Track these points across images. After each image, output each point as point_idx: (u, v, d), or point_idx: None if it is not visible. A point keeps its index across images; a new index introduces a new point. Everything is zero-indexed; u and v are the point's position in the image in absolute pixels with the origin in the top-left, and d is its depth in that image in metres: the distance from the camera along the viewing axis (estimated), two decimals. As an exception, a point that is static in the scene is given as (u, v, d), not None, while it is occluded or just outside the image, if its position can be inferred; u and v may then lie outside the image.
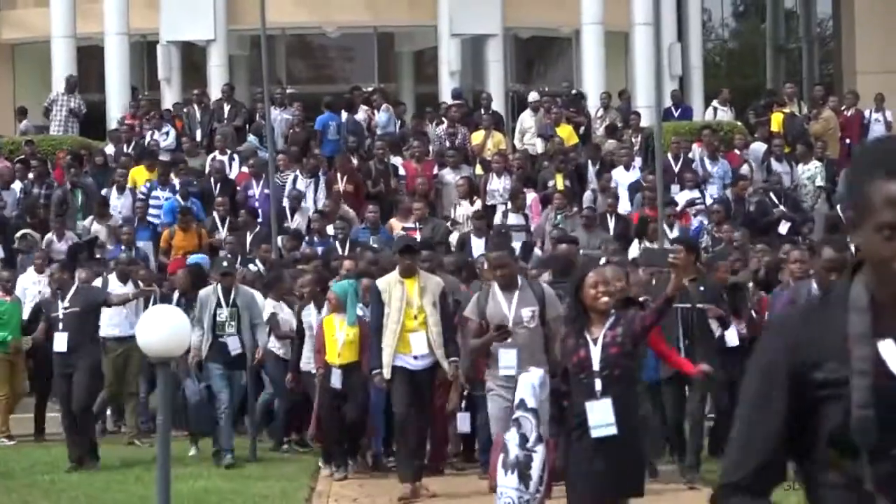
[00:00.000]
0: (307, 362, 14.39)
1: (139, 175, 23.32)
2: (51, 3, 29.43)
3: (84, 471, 14.08)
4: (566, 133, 25.29)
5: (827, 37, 38.02)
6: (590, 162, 23.80)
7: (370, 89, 27.78)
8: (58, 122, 26.56)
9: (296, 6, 30.29)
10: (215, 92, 27.94)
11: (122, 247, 20.03)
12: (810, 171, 23.67)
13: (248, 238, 20.80)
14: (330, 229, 20.60)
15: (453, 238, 21.05)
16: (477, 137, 24.99)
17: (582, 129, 26.15)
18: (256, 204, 22.08)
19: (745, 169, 23.41)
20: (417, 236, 20.04)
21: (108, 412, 17.75)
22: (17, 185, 23.14)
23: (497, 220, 21.38)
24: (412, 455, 12.29)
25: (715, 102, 27.89)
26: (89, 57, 30.03)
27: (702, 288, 12.74)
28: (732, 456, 3.18)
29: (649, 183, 21.40)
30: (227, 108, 26.49)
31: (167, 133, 25.58)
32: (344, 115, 25.42)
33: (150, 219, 22.10)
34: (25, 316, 17.20)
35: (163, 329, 8.19)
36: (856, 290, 3.10)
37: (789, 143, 24.52)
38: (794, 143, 24.51)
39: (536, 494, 8.88)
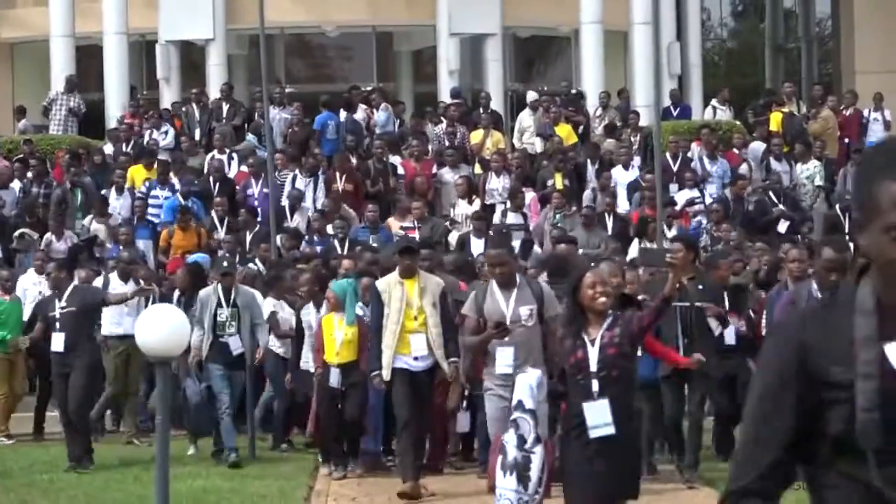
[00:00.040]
0: (306, 361, 14.38)
1: (137, 174, 23.34)
2: (50, 2, 29.42)
3: (80, 471, 14.04)
4: (565, 132, 25.30)
5: (826, 36, 38.02)
6: (589, 161, 23.81)
7: (369, 88, 27.78)
8: (57, 122, 26.57)
9: (294, 5, 30.28)
10: (214, 91, 27.95)
11: (121, 247, 20.02)
12: (809, 171, 23.69)
13: (248, 237, 20.82)
14: (329, 229, 20.59)
15: (452, 237, 21.05)
16: (476, 136, 25.00)
17: (581, 128, 26.16)
18: (256, 203, 22.09)
19: (743, 168, 23.43)
20: (416, 235, 20.05)
21: (108, 411, 17.72)
22: (15, 185, 23.14)
23: (496, 219, 21.39)
24: (413, 455, 12.28)
25: (714, 101, 27.90)
26: (88, 56, 30.02)
27: (700, 286, 12.73)
28: (741, 459, 3.16)
29: (648, 182, 21.41)
30: (225, 107, 26.50)
31: (166, 132, 25.58)
32: (343, 114, 25.43)
33: (149, 217, 22.10)
34: (26, 317, 17.19)
35: (162, 328, 8.18)
36: (862, 293, 3.08)
37: (788, 143, 24.54)
38: (792, 143, 24.53)
39: (535, 496, 8.87)
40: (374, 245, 18.92)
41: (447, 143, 24.49)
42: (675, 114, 27.21)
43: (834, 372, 3.04)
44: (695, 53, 31.98)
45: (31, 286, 18.14)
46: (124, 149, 24.91)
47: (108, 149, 25.30)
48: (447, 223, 21.62)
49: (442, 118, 25.58)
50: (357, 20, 31.06)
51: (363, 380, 13.17)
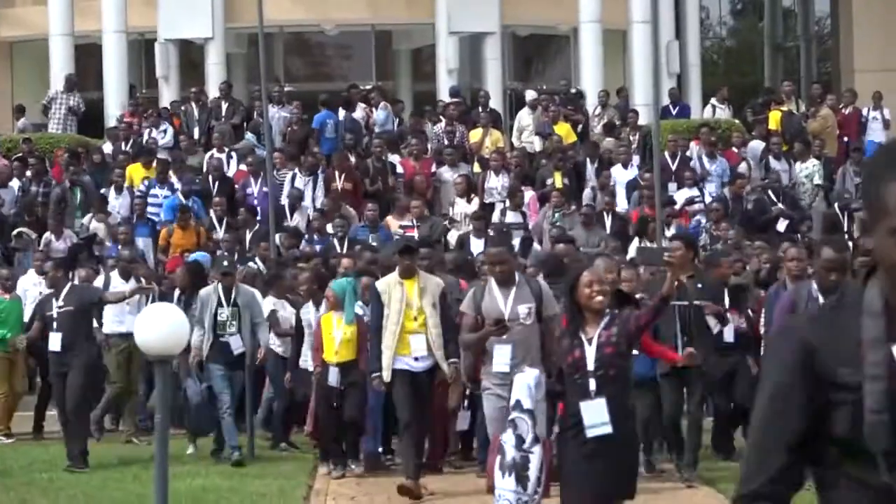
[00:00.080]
0: (306, 360, 14.37)
1: (136, 172, 23.33)
2: (49, 1, 29.42)
3: (73, 470, 14.00)
4: (564, 131, 25.30)
5: (825, 35, 38.02)
6: (588, 160, 23.81)
7: (368, 87, 27.79)
8: (57, 121, 26.57)
9: (294, 4, 30.29)
10: (213, 90, 27.96)
11: (120, 246, 20.02)
12: (808, 169, 23.70)
13: (248, 236, 20.82)
14: (329, 228, 20.59)
15: (452, 237, 21.06)
16: (475, 135, 25.00)
17: (579, 127, 26.16)
18: (255, 202, 22.09)
19: (742, 167, 23.43)
20: (415, 234, 20.06)
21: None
22: (14, 184, 23.14)
23: (495, 218, 21.38)
24: (414, 455, 12.28)
25: (713, 100, 27.90)
26: (87, 55, 30.02)
27: (700, 285, 12.73)
28: (750, 463, 3.15)
29: (646, 181, 21.41)
30: (224, 105, 26.50)
31: (165, 131, 25.58)
32: (342, 112, 25.43)
33: (149, 216, 22.09)
34: (27, 317, 17.19)
35: (161, 327, 8.18)
36: (870, 295, 3.07)
37: (787, 142, 24.54)
38: (791, 141, 24.53)
39: (535, 496, 8.86)
40: (374, 244, 18.92)
41: (446, 142, 24.50)
42: (674, 113, 27.22)
43: (841, 373, 3.04)
44: (694, 52, 31.99)
45: (32, 287, 18.12)
46: (123, 147, 24.91)
47: (107, 148, 25.29)
48: (446, 222, 21.62)
49: (441, 117, 25.58)
50: (356, 19, 31.07)
51: (362, 379, 13.17)
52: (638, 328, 8.24)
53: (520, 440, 8.88)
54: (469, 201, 21.92)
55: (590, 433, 7.94)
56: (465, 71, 30.57)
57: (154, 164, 23.41)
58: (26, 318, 16.91)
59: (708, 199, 22.10)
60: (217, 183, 22.73)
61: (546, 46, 33.91)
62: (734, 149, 24.21)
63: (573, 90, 28.57)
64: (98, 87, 29.43)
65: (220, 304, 14.65)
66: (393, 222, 21.12)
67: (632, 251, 18.75)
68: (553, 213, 21.28)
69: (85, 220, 22.06)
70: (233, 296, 14.72)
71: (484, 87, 28.82)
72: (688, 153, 23.65)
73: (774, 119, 25.71)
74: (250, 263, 18.43)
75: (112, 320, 16.75)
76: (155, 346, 8.20)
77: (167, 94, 29.51)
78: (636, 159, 23.93)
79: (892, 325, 3.03)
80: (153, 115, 26.06)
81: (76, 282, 16.73)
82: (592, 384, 7.97)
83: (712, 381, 13.38)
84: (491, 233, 19.18)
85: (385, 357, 12.26)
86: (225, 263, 15.60)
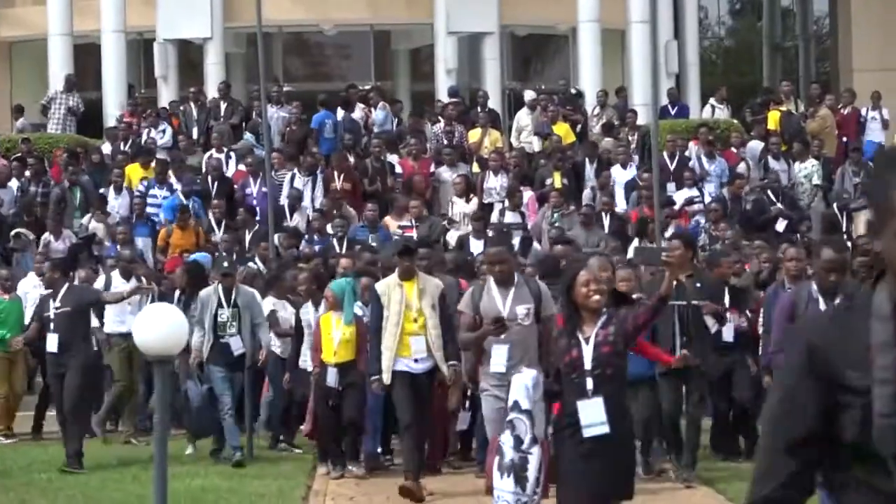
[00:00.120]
0: (305, 360, 14.36)
1: (134, 172, 23.33)
2: (48, 0, 29.42)
3: (66, 470, 13.99)
4: (563, 131, 25.30)
5: (823, 35, 38.02)
6: (587, 160, 23.81)
7: (367, 87, 27.79)
8: (56, 121, 26.57)
9: (292, 4, 30.29)
10: (212, 90, 27.96)
11: (118, 245, 20.02)
12: (807, 170, 23.70)
13: (247, 236, 20.82)
14: (329, 228, 20.58)
15: (451, 237, 21.05)
16: (474, 135, 25.00)
17: (578, 127, 26.15)
18: (255, 202, 22.09)
19: (741, 167, 23.43)
20: (414, 234, 20.06)
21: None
22: (13, 184, 23.13)
23: (494, 218, 21.38)
24: (415, 457, 12.26)
25: (712, 100, 27.90)
26: (86, 55, 30.02)
27: (699, 284, 12.72)
28: (762, 468, 3.15)
29: (645, 181, 21.42)
30: (223, 105, 26.50)
31: (164, 131, 25.59)
32: (340, 112, 25.43)
33: (148, 216, 22.06)
34: (28, 319, 17.18)
35: (160, 327, 8.18)
36: (879, 299, 3.07)
37: (786, 142, 24.55)
38: (790, 142, 24.54)
39: (534, 496, 8.85)
40: (373, 244, 18.93)
41: (445, 142, 24.50)
42: (672, 112, 27.22)
43: (850, 376, 3.04)
44: (692, 52, 31.99)
45: (32, 289, 18.11)
46: (122, 147, 24.90)
47: (106, 148, 25.29)
48: (445, 222, 21.62)
49: (440, 117, 25.59)
50: (355, 19, 31.07)
51: (361, 380, 13.16)
52: (636, 327, 8.23)
53: (518, 441, 8.87)
54: (467, 201, 21.92)
55: (586, 433, 7.92)
56: (463, 71, 30.57)
57: (152, 164, 23.40)
58: (27, 320, 16.91)
59: (707, 200, 22.10)
60: (216, 183, 22.72)
61: (545, 46, 33.92)
62: (733, 149, 24.21)
63: (572, 90, 28.57)
64: (97, 87, 29.42)
65: (220, 305, 14.63)
66: (391, 222, 21.11)
67: (631, 251, 18.74)
68: (552, 214, 21.28)
69: (84, 220, 22.06)
70: (233, 297, 14.70)
71: (483, 87, 28.82)
72: (686, 153, 23.65)
73: (773, 119, 25.71)
74: (250, 264, 18.43)
75: (113, 320, 16.75)
76: (154, 346, 8.20)
77: (166, 94, 29.50)
78: (635, 159, 23.93)
79: None
80: (152, 115, 26.06)
81: (76, 282, 16.73)
82: (590, 383, 7.96)
83: (711, 380, 13.38)
84: (490, 233, 19.18)
85: (385, 359, 12.23)
86: (225, 264, 15.59)
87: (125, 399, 17.15)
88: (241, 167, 23.46)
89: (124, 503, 12.21)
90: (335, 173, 22.71)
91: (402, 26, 32.10)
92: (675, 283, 9.61)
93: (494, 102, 28.14)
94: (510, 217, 21.37)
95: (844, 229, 21.95)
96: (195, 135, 25.85)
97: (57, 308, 14.65)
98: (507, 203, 21.72)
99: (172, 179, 22.78)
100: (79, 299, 14.81)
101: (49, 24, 29.30)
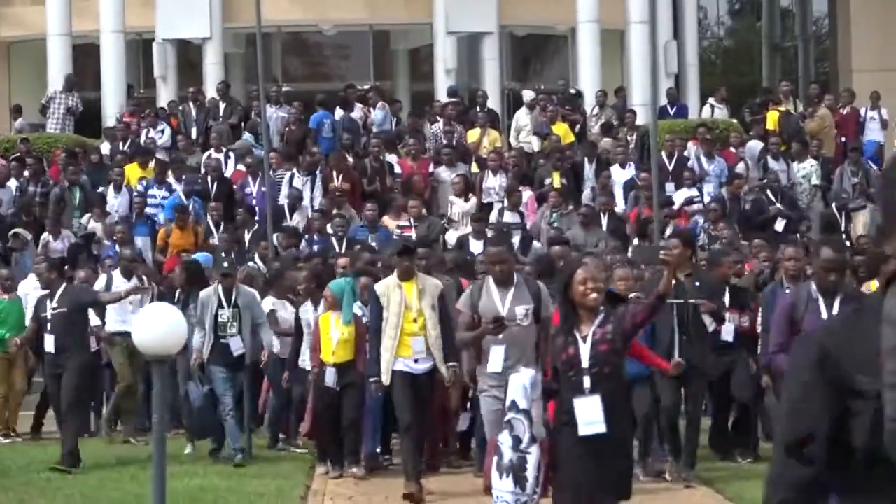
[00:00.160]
0: (304, 360, 14.35)
1: (132, 172, 23.32)
2: (47, 1, 29.41)
3: (58, 468, 13.97)
4: (562, 131, 25.30)
5: (822, 35, 38.02)
6: (586, 160, 23.81)
7: (366, 87, 27.79)
8: (55, 120, 26.55)
9: (291, 4, 30.29)
10: (211, 90, 27.95)
11: (117, 245, 20.00)
12: (806, 169, 23.70)
13: (247, 236, 20.81)
14: (329, 227, 20.56)
15: (450, 237, 21.04)
16: (473, 135, 25.00)
17: (577, 127, 26.15)
18: (254, 202, 22.08)
19: (740, 167, 23.42)
20: (413, 234, 20.05)
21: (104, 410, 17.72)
22: (12, 183, 23.12)
23: (493, 217, 21.38)
24: (416, 458, 12.25)
25: (712, 100, 27.90)
26: (85, 55, 30.02)
27: (698, 283, 12.71)
28: (776, 473, 3.13)
29: (643, 181, 21.42)
30: (222, 105, 26.49)
31: (162, 131, 25.58)
32: (338, 112, 25.42)
33: (148, 214, 22.04)
34: (28, 320, 17.17)
35: (158, 327, 8.18)
36: (890, 304, 3.06)
37: (785, 141, 24.54)
38: (789, 141, 24.53)
39: (533, 496, 8.84)
40: (373, 244, 18.92)
41: (444, 142, 24.49)
42: (671, 112, 27.23)
43: (860, 381, 3.03)
44: (691, 52, 31.99)
45: (33, 290, 18.09)
46: (121, 147, 24.89)
47: (105, 148, 25.28)
48: (444, 222, 21.62)
49: (439, 117, 25.58)
50: (354, 19, 31.07)
51: (360, 380, 13.14)
52: (634, 325, 8.22)
53: (516, 441, 8.85)
54: (466, 200, 21.91)
55: (582, 431, 7.90)
56: (462, 71, 30.58)
57: (151, 164, 23.40)
58: (28, 321, 16.90)
59: (706, 200, 22.09)
60: (215, 183, 22.70)
61: (544, 46, 33.92)
62: (732, 149, 24.21)
63: (571, 90, 28.58)
64: (96, 87, 29.42)
65: (220, 306, 14.60)
66: (390, 222, 21.10)
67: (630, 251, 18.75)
68: (551, 213, 21.28)
69: (83, 219, 22.05)
70: (233, 297, 14.68)
71: (482, 87, 28.82)
72: (685, 153, 23.65)
73: (772, 119, 25.71)
74: (250, 263, 18.42)
75: (115, 319, 16.71)
76: (153, 345, 8.19)
77: (165, 94, 29.50)
78: (635, 159, 23.92)
79: None
80: (151, 115, 26.06)
81: (76, 283, 16.72)
82: (587, 382, 7.95)
83: (711, 380, 13.38)
84: (490, 233, 19.17)
85: (384, 360, 12.20)
86: (225, 264, 15.56)
87: (129, 398, 17.13)
88: (241, 167, 23.45)
89: (123, 503, 12.19)
90: (334, 173, 22.69)
91: (401, 26, 32.10)
92: (673, 281, 9.61)
93: (493, 102, 28.14)
94: (509, 217, 21.36)
95: (843, 229, 21.96)
96: (194, 135, 25.84)
97: (54, 309, 14.62)
98: (506, 203, 21.71)
99: (171, 179, 22.77)
100: (75, 300, 14.77)
101: (48, 25, 29.30)
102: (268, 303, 15.66)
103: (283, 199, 21.91)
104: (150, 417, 11.75)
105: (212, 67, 29.59)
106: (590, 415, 7.91)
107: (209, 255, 18.33)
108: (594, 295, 8.05)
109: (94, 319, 16.45)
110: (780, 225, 21.51)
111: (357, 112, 25.82)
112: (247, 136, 25.26)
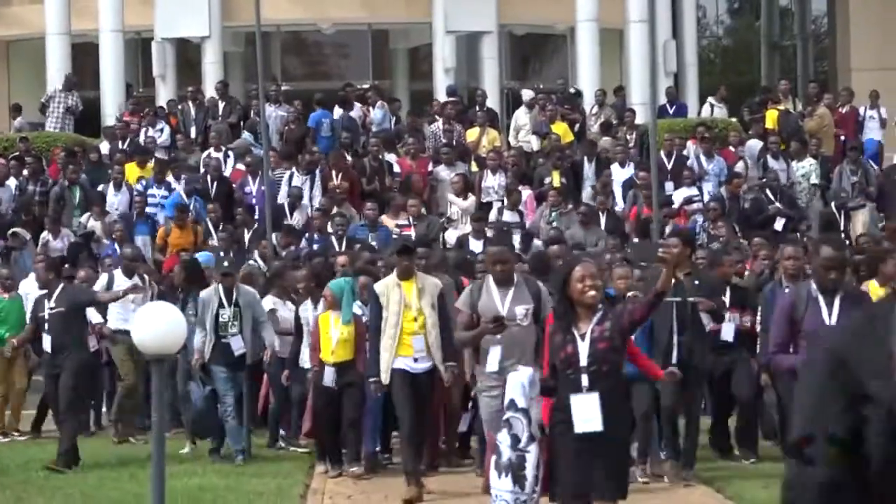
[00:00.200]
0: (304, 358, 14.33)
1: (131, 172, 23.32)
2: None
3: (51, 467, 13.96)
4: (561, 130, 25.31)
5: (822, 34, 38.03)
6: (585, 159, 23.81)
7: (365, 86, 27.79)
8: (55, 119, 26.56)
9: (291, 3, 30.29)
10: (210, 89, 27.95)
11: (116, 244, 19.99)
12: (805, 168, 23.69)
13: (247, 235, 20.80)
14: (329, 226, 20.55)
15: (449, 236, 21.03)
16: (472, 134, 25.00)
17: (576, 126, 26.15)
18: (253, 201, 22.08)
19: (740, 166, 23.42)
20: (412, 233, 20.04)
21: (104, 409, 17.71)
22: (11, 182, 23.12)
23: (492, 217, 21.38)
24: (416, 459, 12.23)
25: (711, 99, 27.90)
26: (84, 54, 30.02)
27: (697, 282, 12.70)
28: (791, 478, 3.13)
29: (642, 180, 21.42)
30: (221, 104, 26.49)
31: (161, 130, 25.57)
32: (337, 111, 25.42)
33: (148, 213, 22.02)
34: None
35: (158, 326, 8.18)
36: None
37: (784, 140, 24.54)
38: (788, 140, 24.53)
39: (533, 495, 8.84)
40: (373, 243, 18.91)
41: (443, 141, 24.49)
42: (670, 111, 27.23)
43: (873, 386, 3.02)
44: (690, 51, 32.01)
45: (33, 291, 18.08)
46: (120, 146, 24.88)
47: (105, 147, 25.28)
48: (443, 221, 21.61)
49: (438, 116, 25.58)
50: (353, 18, 31.07)
51: (360, 380, 13.12)
52: (632, 323, 8.21)
53: (515, 440, 8.85)
54: (465, 199, 21.91)
55: (578, 428, 7.88)
56: (462, 70, 30.58)
57: (150, 163, 23.39)
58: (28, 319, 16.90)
59: (705, 199, 22.09)
60: (215, 182, 22.69)
61: (543, 45, 33.92)
62: (731, 148, 24.21)
63: (570, 89, 28.58)
64: (95, 87, 29.42)
65: (221, 306, 14.58)
66: (388, 221, 21.09)
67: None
68: (550, 213, 21.28)
69: (83, 218, 22.05)
70: (234, 296, 14.66)
71: (481, 86, 28.82)
72: (685, 152, 23.64)
73: (771, 118, 25.72)
74: (251, 262, 18.40)
75: (116, 317, 16.69)
76: (152, 344, 8.19)
77: (164, 93, 29.51)
78: (634, 158, 23.92)
79: None
80: (150, 114, 26.06)
81: (76, 282, 16.70)
82: (585, 380, 7.94)
83: (711, 379, 13.37)
84: (489, 233, 19.16)
85: (384, 360, 12.18)
86: (225, 264, 15.54)
87: (132, 397, 17.11)
88: (240, 166, 23.44)
89: (122, 502, 12.18)
90: (333, 172, 22.69)
91: (400, 25, 32.11)
92: (672, 280, 9.60)
93: (493, 101, 28.14)
94: (508, 216, 21.36)
95: (842, 228, 21.96)
96: (193, 134, 25.84)
97: (51, 308, 14.60)
98: (505, 202, 21.71)
99: (170, 178, 22.76)
100: (73, 299, 14.74)
101: (47, 24, 29.31)
102: (268, 302, 15.65)
103: (282, 199, 21.90)
104: (150, 416, 11.77)
105: (211, 66, 29.60)
106: (587, 412, 7.89)
107: (211, 255, 18.32)
108: (592, 292, 8.04)
109: (95, 316, 16.45)
110: (779, 224, 21.51)
111: (356, 111, 25.81)
112: (246, 135, 25.26)
